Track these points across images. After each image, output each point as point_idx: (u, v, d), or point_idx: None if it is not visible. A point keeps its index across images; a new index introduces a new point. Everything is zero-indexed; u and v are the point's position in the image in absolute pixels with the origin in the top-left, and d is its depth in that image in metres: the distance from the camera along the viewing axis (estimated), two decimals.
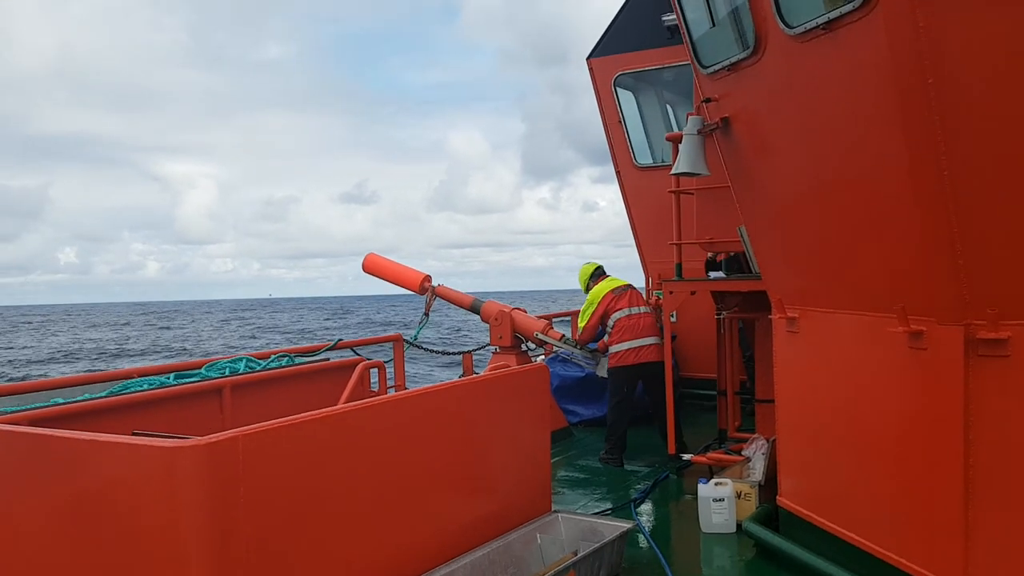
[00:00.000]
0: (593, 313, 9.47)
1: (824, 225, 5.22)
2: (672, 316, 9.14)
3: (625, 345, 9.12)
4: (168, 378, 6.87)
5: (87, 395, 6.29)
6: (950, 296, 4.28)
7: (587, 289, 10.02)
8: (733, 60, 5.38)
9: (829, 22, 4.42)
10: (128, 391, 6.42)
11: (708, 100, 5.88)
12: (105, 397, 6.16)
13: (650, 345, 9.07)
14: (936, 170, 4.13)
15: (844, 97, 4.60)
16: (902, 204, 4.40)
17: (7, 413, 5.45)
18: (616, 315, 9.24)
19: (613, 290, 9.43)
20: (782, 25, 4.78)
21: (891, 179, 4.42)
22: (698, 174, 6.32)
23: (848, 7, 4.28)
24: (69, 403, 5.90)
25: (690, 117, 6.22)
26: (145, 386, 6.59)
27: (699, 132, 6.05)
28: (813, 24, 4.53)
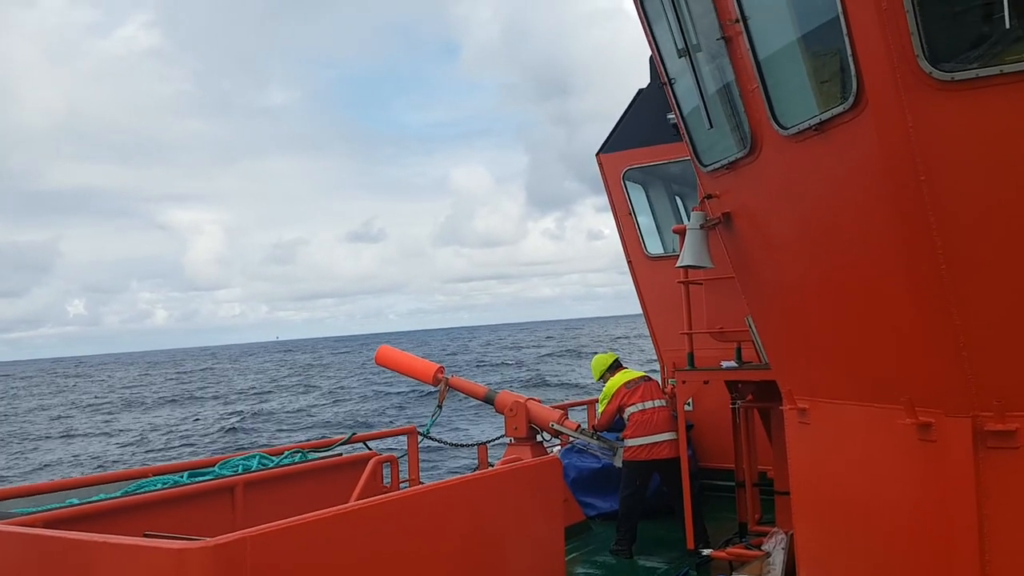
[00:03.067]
0: (607, 408, 9.54)
1: (828, 318, 5.28)
2: (688, 404, 9.12)
3: (638, 441, 9.08)
4: (182, 476, 6.91)
5: (102, 495, 6.32)
6: (956, 388, 4.29)
7: (601, 378, 10.05)
8: (731, 159, 5.54)
9: (821, 123, 4.58)
10: (142, 490, 6.46)
11: (709, 196, 6.03)
12: (119, 497, 6.20)
13: (664, 442, 9.03)
14: (934, 264, 4.21)
15: (840, 195, 4.72)
16: (903, 298, 4.46)
17: (23, 515, 5.49)
18: (630, 410, 9.24)
19: (626, 383, 9.45)
20: (776, 126, 4.95)
21: (891, 274, 4.50)
22: (702, 267, 6.43)
23: (839, 108, 4.44)
24: (84, 503, 5.94)
25: (693, 212, 6.37)
26: (159, 485, 6.63)
27: (702, 227, 6.19)
28: (806, 125, 4.69)
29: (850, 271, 4.86)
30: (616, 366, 10.01)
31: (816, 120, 4.61)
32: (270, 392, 64.73)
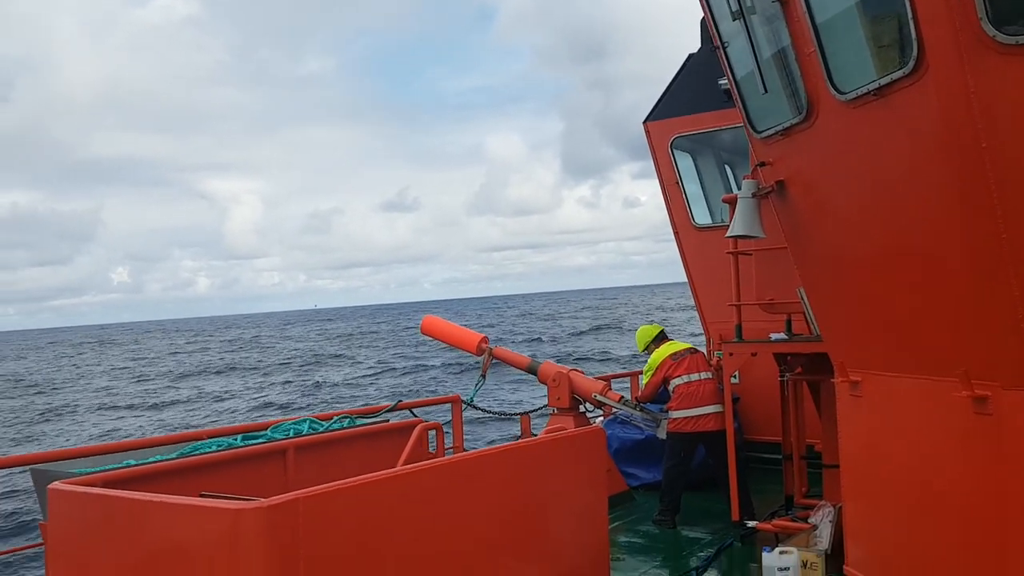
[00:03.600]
0: (651, 380, 9.51)
1: (883, 288, 5.17)
2: (734, 377, 9.03)
3: (683, 413, 9.04)
4: (236, 439, 7.06)
5: (158, 456, 6.50)
6: (1014, 360, 4.19)
7: (645, 349, 10.00)
8: (786, 125, 5.43)
9: (880, 88, 4.46)
10: (198, 452, 6.62)
11: (762, 164, 5.93)
12: (175, 459, 6.37)
13: (710, 414, 8.97)
14: (994, 233, 4.09)
15: (898, 162, 4.60)
16: (961, 268, 4.35)
17: (82, 474, 5.67)
18: (675, 381, 9.19)
19: (672, 355, 9.39)
20: (833, 91, 4.83)
21: (949, 243, 4.39)
22: (754, 237, 6.34)
23: (899, 73, 4.31)
24: (141, 464, 6.11)
25: (745, 180, 6.27)
26: (214, 447, 6.78)
27: (754, 195, 6.09)
28: (864, 90, 4.57)
29: (907, 240, 4.75)
30: (661, 337, 9.94)
31: (875, 85, 4.49)
32: (315, 364, 65.63)
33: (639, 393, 10.02)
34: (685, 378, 9.15)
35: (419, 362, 58.91)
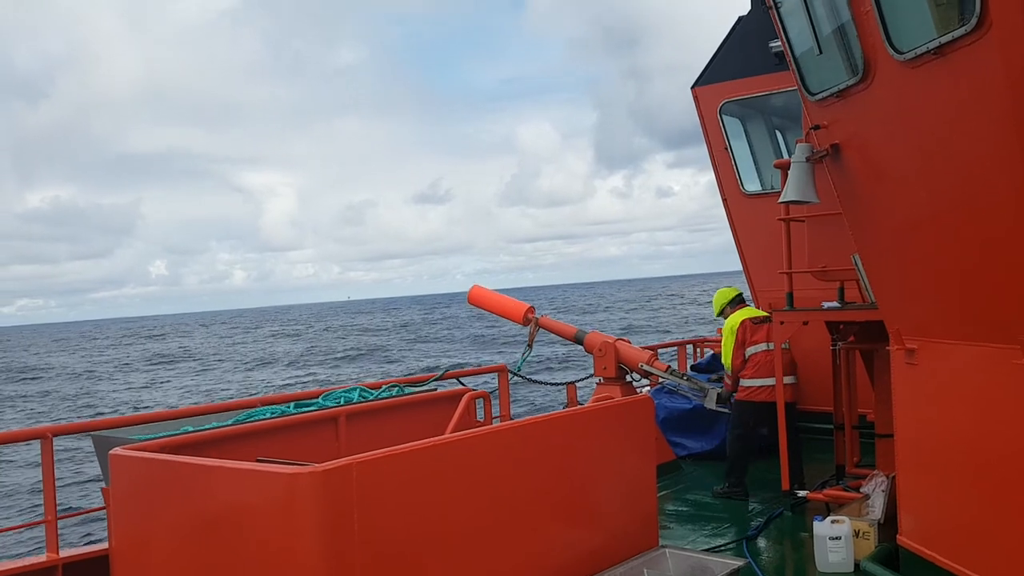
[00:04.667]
0: (735, 345, 9.10)
1: (943, 253, 5.04)
2: (784, 345, 8.89)
3: (759, 381, 8.85)
4: (289, 407, 7.21)
5: (215, 423, 6.66)
6: None
7: (720, 313, 9.83)
8: (842, 87, 5.28)
9: (941, 46, 4.30)
10: (252, 419, 6.77)
11: (817, 127, 5.78)
12: (231, 425, 6.52)
13: (789, 385, 8.80)
14: None
15: (960, 123, 4.45)
16: (1023, 232, 4.21)
17: (141, 441, 5.84)
18: (752, 349, 8.98)
19: (751, 319, 9.15)
20: (891, 51, 4.67)
21: (1012, 206, 4.24)
22: (807, 202, 6.20)
23: (960, 31, 4.15)
24: (198, 431, 6.27)
25: (798, 144, 6.12)
26: (268, 415, 6.93)
27: (808, 159, 5.95)
28: (924, 49, 4.41)
29: (969, 204, 4.61)
30: (738, 300, 9.72)
31: (935, 43, 4.32)
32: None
33: (727, 360, 9.31)
34: (764, 346, 8.95)
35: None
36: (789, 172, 6.13)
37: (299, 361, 64.30)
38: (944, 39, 4.27)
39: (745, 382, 8.95)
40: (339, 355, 66.84)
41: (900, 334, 5.66)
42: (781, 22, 5.80)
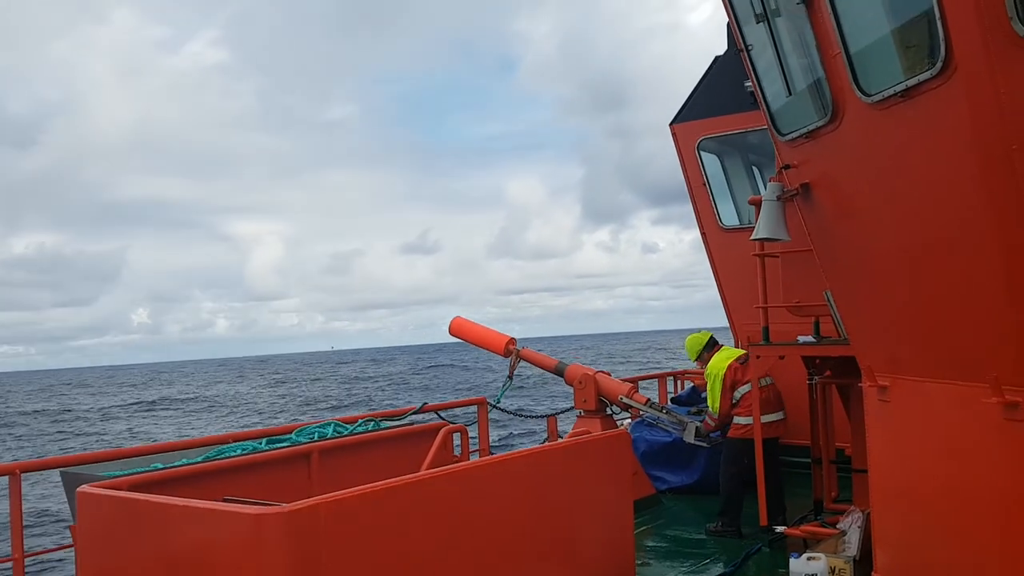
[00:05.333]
0: (723, 390, 9.03)
1: (912, 292, 5.09)
2: (763, 380, 8.90)
3: (753, 419, 8.78)
4: (261, 443, 7.13)
5: (185, 460, 6.58)
6: None
7: (697, 359, 9.82)
8: (811, 127, 5.36)
9: (907, 89, 4.38)
10: (223, 456, 6.69)
11: (787, 167, 5.86)
12: (201, 463, 6.44)
13: (779, 420, 8.78)
14: None
15: (926, 164, 4.52)
16: (992, 272, 4.26)
17: (110, 478, 5.75)
18: (743, 388, 8.91)
19: (737, 359, 9.12)
20: (859, 93, 4.75)
21: (979, 247, 4.30)
22: (778, 239, 6.27)
23: (926, 74, 4.24)
24: (168, 468, 6.19)
25: (770, 183, 6.20)
26: (239, 451, 6.86)
27: (779, 198, 6.02)
28: (891, 92, 4.50)
29: (936, 243, 4.67)
30: (712, 343, 9.73)
31: (902, 87, 4.41)
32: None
33: (715, 405, 9.26)
34: (765, 381, 8.91)
35: None
36: (760, 210, 6.19)
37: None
38: (911, 82, 4.35)
39: (739, 419, 8.89)
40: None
41: (872, 370, 5.70)
42: (752, 64, 5.89)
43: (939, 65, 4.13)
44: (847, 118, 5.00)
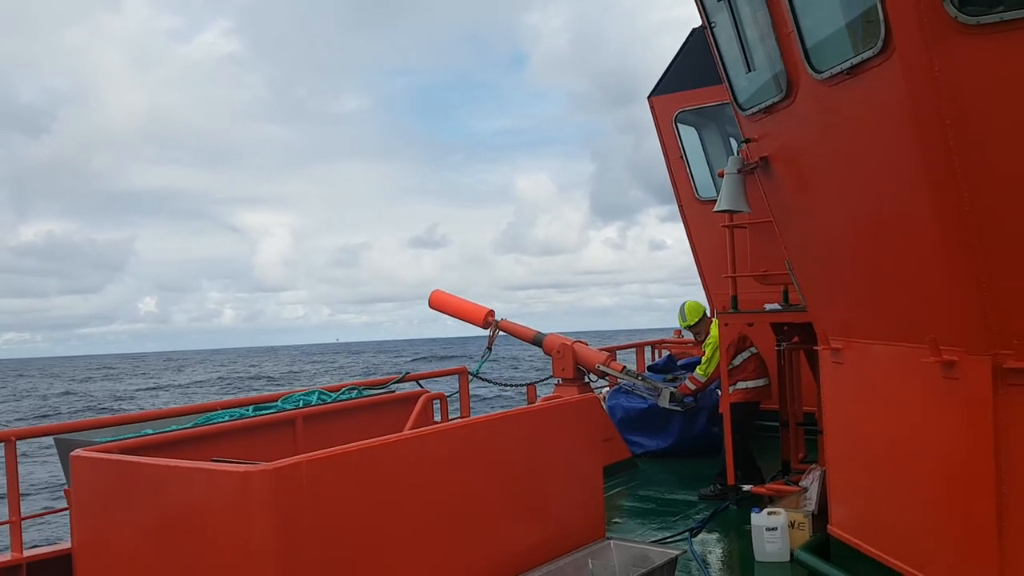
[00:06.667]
0: (722, 351, 9.24)
1: (860, 259, 5.38)
2: (754, 350, 9.19)
3: (756, 383, 9.08)
4: (248, 410, 7.40)
5: (175, 426, 6.84)
6: (978, 327, 4.40)
7: (696, 324, 10.15)
8: (769, 103, 5.62)
9: (853, 67, 4.63)
10: (212, 422, 6.96)
11: (747, 140, 6.12)
12: (190, 428, 6.70)
13: (763, 387, 9.15)
14: (959, 206, 4.29)
15: (870, 137, 4.79)
16: (929, 239, 4.55)
17: (105, 443, 6.01)
18: (745, 354, 9.19)
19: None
20: (810, 70, 5.01)
21: (917, 216, 4.58)
22: (739, 211, 6.54)
23: (868, 53, 4.49)
24: (158, 433, 6.45)
25: (731, 157, 6.46)
26: (227, 417, 7.12)
27: (739, 171, 6.28)
28: (839, 69, 4.75)
29: (880, 213, 4.96)
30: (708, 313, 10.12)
31: (848, 64, 4.66)
32: None
33: (705, 373, 9.88)
34: (756, 350, 9.22)
35: None
36: (722, 183, 6.45)
37: None
38: (855, 60, 4.61)
39: (746, 384, 9.14)
40: None
41: (826, 334, 6.01)
42: (715, 41, 6.13)
43: (879, 44, 4.38)
44: (800, 94, 5.26)
